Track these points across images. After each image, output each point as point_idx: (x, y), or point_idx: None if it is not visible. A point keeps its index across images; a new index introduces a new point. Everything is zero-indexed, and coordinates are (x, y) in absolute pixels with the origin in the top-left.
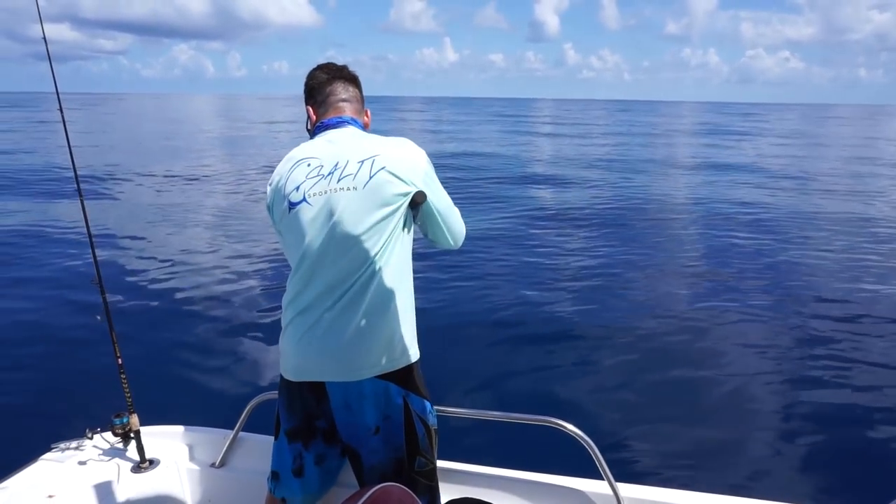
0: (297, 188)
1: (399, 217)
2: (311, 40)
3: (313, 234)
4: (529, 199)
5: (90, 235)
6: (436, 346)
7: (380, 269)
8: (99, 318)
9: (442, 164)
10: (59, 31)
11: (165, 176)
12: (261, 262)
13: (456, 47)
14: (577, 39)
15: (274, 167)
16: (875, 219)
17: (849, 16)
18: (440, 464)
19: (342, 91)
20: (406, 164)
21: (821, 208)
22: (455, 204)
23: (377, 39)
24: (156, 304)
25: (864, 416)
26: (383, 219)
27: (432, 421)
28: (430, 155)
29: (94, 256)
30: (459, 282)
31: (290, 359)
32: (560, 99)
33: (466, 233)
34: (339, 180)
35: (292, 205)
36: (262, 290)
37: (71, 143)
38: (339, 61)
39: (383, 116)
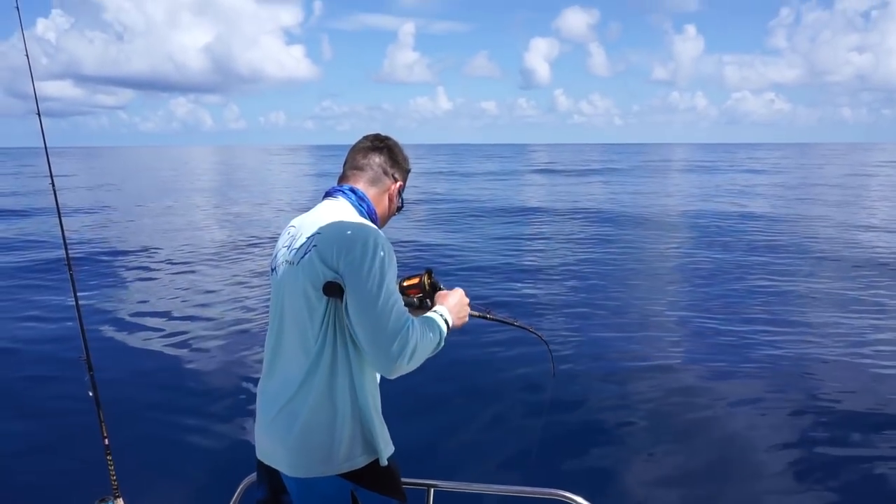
0: (276, 255)
1: (329, 305)
2: (308, 91)
3: (274, 304)
4: (512, 250)
5: (78, 308)
6: (427, 415)
7: (324, 359)
8: (91, 393)
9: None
10: (61, 89)
11: (157, 246)
12: (256, 334)
13: (449, 95)
14: (567, 85)
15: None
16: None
17: (828, 58)
18: None
19: (360, 159)
20: (333, 247)
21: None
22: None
23: (372, 90)
24: (145, 379)
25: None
26: (314, 302)
27: None
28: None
29: (83, 330)
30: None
31: (256, 435)
32: (553, 143)
33: (403, 363)
34: (290, 253)
35: (272, 271)
36: (257, 363)
37: (61, 213)
38: (335, 111)
39: None
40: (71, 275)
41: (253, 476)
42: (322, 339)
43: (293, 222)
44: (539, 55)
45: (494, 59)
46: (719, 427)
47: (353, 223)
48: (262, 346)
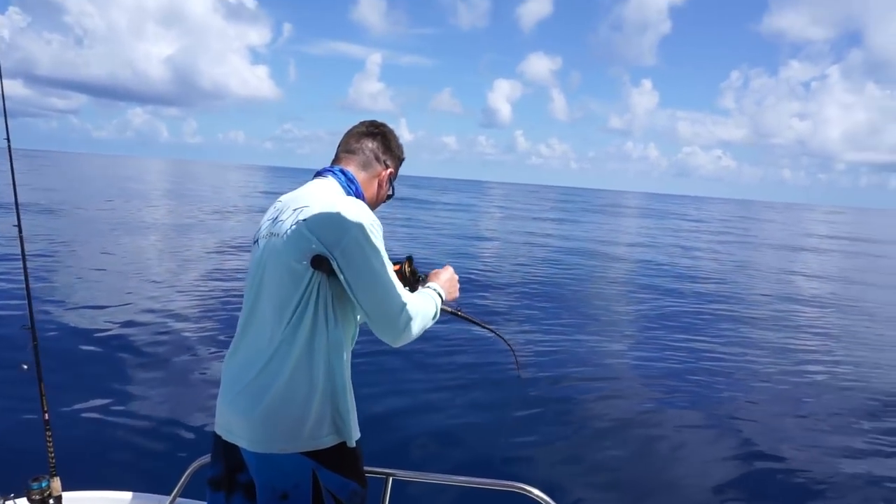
0: (260, 228)
1: (314, 278)
2: (270, 112)
3: (252, 277)
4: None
5: (26, 274)
6: (394, 406)
7: (301, 334)
8: (25, 366)
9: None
10: (10, 87)
11: (109, 249)
12: (204, 315)
13: (411, 128)
14: (527, 127)
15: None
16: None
17: (772, 122)
18: None
19: (353, 142)
20: (323, 223)
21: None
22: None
23: (335, 115)
24: (91, 355)
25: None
26: (298, 275)
27: (346, 498)
28: None
29: (29, 298)
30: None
31: (218, 410)
32: (510, 182)
33: (410, 333)
34: (275, 225)
35: (254, 243)
36: (206, 344)
37: (16, 184)
38: (296, 134)
39: None
40: (21, 237)
41: (204, 458)
42: (301, 313)
43: (281, 198)
44: (502, 95)
45: (458, 95)
46: (660, 427)
47: (344, 201)
48: (220, 333)
